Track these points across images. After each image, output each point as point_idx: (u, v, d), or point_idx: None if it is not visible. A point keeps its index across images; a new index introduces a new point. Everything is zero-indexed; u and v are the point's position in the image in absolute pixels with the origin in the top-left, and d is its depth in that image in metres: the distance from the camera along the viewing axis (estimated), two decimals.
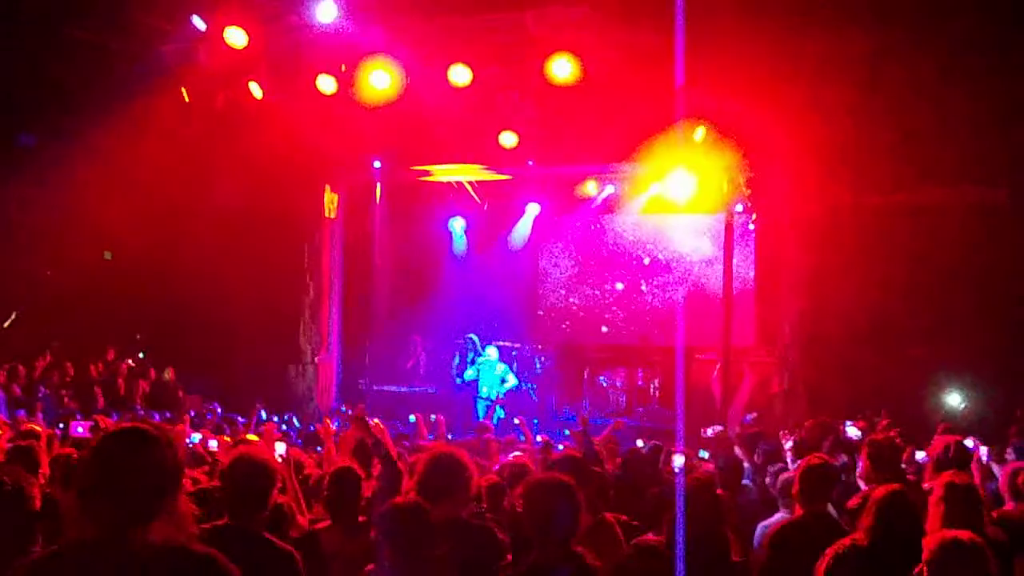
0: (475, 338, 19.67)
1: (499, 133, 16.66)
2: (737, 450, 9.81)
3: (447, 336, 20.50)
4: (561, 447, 10.62)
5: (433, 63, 15.70)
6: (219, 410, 15.70)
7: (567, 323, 21.94)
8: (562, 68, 15.06)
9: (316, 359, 19.14)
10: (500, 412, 18.08)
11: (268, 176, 17.22)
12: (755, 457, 9.40)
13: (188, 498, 4.94)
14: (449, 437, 13.26)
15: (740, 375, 18.01)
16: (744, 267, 19.73)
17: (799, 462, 6.79)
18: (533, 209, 21.40)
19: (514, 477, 6.88)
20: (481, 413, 17.95)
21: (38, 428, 9.25)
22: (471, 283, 21.25)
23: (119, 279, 18.47)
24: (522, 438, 12.31)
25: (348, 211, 19.83)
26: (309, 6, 15.11)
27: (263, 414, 14.69)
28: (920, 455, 8.43)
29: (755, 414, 15.83)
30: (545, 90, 15.54)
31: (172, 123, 16.30)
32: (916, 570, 4.40)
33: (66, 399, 15.27)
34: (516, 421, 14.39)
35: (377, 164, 18.30)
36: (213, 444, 9.82)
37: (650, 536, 5.66)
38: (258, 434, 10.31)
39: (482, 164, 18.22)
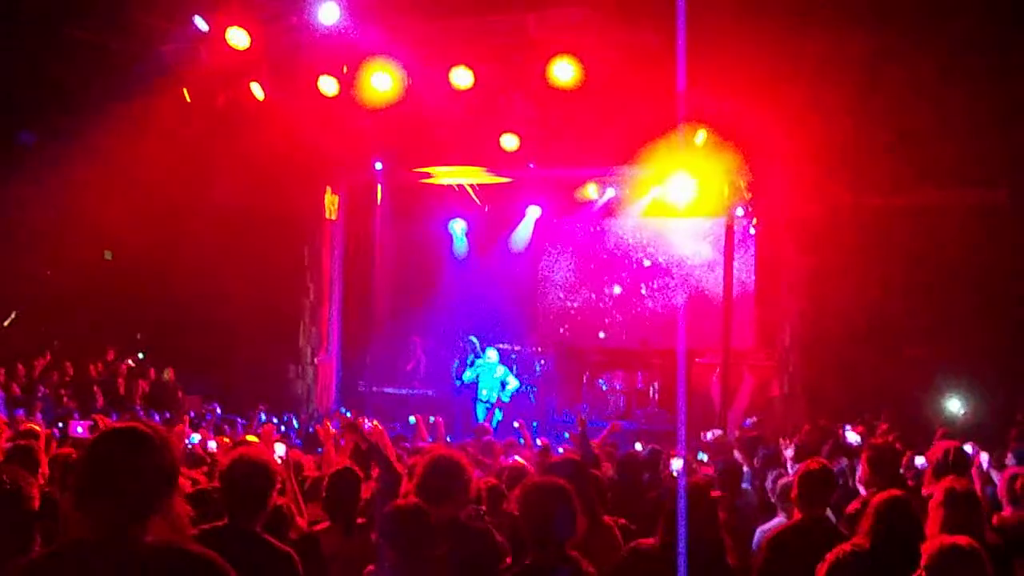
0: (475, 340, 19.68)
1: (500, 135, 16.65)
2: (736, 454, 9.81)
3: (447, 338, 20.50)
4: (561, 450, 10.62)
5: (434, 65, 15.71)
6: (219, 411, 15.71)
7: (567, 326, 21.94)
8: (563, 71, 15.07)
9: (316, 360, 19.14)
10: (499, 415, 18.07)
11: (269, 177, 17.22)
12: (754, 461, 9.40)
13: (186, 499, 4.94)
14: (448, 439, 13.26)
15: (740, 378, 18.01)
16: (744, 271, 19.73)
17: (798, 466, 6.79)
18: (534, 212, 21.39)
19: (512, 480, 6.88)
20: (480, 415, 17.94)
21: (37, 428, 9.24)
22: (471, 285, 21.25)
23: (119, 279, 18.46)
24: (521, 441, 12.30)
25: (349, 212, 19.84)
26: (311, 7, 15.11)
27: (263, 416, 14.70)
28: (919, 460, 8.42)
29: (755, 418, 15.83)
30: (546, 93, 15.54)
31: (173, 123, 16.29)
32: None
33: (65, 399, 15.26)
34: (515, 424, 14.39)
35: (379, 165, 18.30)
36: (212, 445, 9.81)
37: (646, 540, 5.66)
38: (257, 435, 10.32)
39: (483, 166, 18.22)
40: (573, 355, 20.85)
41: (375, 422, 10.28)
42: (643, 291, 21.38)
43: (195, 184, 17.41)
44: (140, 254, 18.05)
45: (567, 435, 13.35)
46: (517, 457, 9.48)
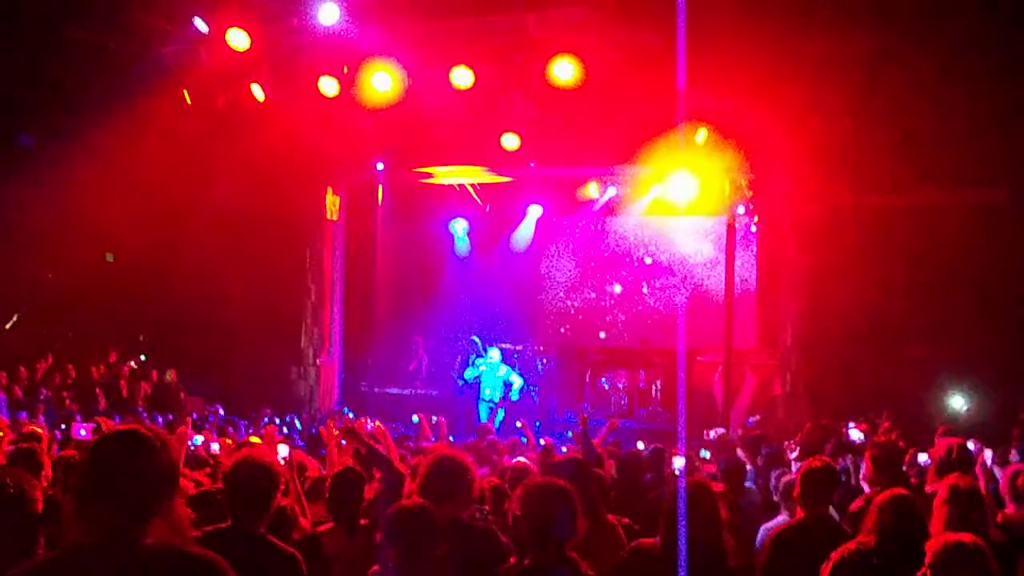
0: (477, 340, 19.68)
1: (501, 135, 16.65)
2: (740, 452, 9.81)
3: (449, 338, 20.51)
4: (564, 449, 10.62)
5: (435, 65, 15.71)
6: (221, 412, 15.71)
7: (568, 325, 21.95)
8: (564, 70, 15.07)
9: (318, 361, 19.14)
10: (501, 414, 18.07)
11: (270, 178, 17.23)
12: (758, 459, 9.40)
13: (189, 500, 4.94)
14: (451, 439, 13.26)
15: (742, 377, 18.01)
16: (746, 269, 19.73)
17: (800, 464, 6.79)
18: (535, 211, 21.39)
19: (515, 480, 6.88)
20: (483, 415, 17.93)
21: (40, 430, 9.24)
22: (473, 285, 21.26)
23: (120, 281, 18.46)
24: (524, 440, 12.30)
25: (350, 213, 19.85)
26: (311, 8, 15.11)
27: (266, 418, 14.72)
28: (922, 458, 8.42)
29: (757, 416, 15.83)
30: (547, 92, 15.53)
31: (173, 124, 16.29)
32: (919, 574, 4.39)
33: (68, 401, 15.26)
34: (518, 424, 14.38)
35: (380, 166, 18.29)
36: (215, 447, 9.81)
37: (647, 539, 5.65)
38: (260, 436, 10.32)
39: (484, 166, 18.23)
40: (575, 354, 20.85)
41: (378, 422, 10.29)
42: (644, 290, 21.39)
43: (196, 185, 17.42)
44: (141, 256, 18.05)
45: (570, 434, 13.35)
46: (521, 457, 9.49)
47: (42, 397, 14.98)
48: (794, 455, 9.34)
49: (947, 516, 5.27)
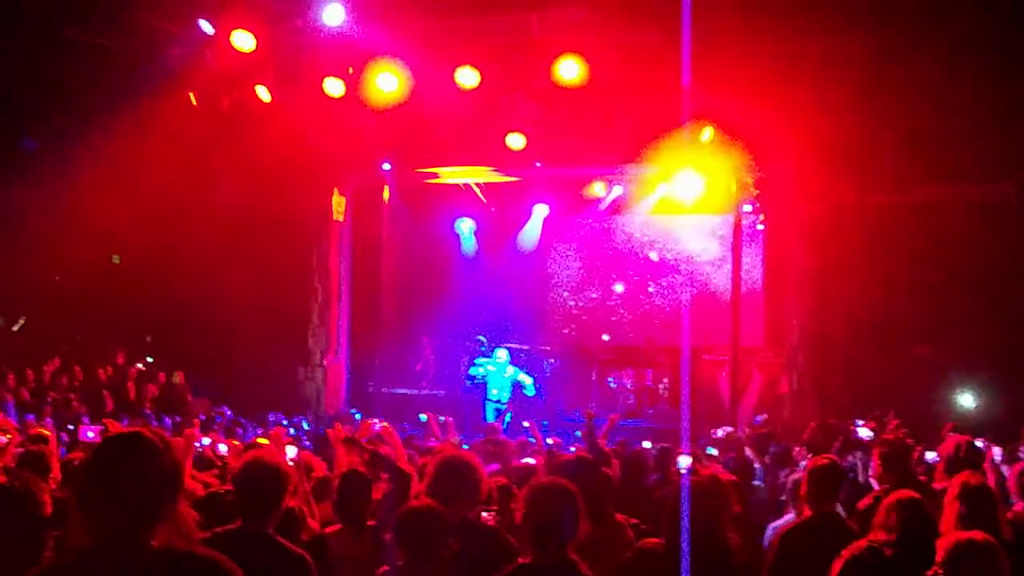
0: (484, 339, 19.69)
1: (506, 135, 16.65)
2: (747, 451, 9.80)
3: (456, 338, 20.51)
4: (573, 449, 10.60)
5: (440, 65, 15.71)
6: (228, 413, 15.71)
7: (574, 325, 21.94)
8: (569, 69, 15.08)
9: (325, 362, 19.13)
10: (508, 416, 18.04)
11: (276, 179, 17.25)
12: (765, 458, 9.39)
13: (198, 502, 4.95)
14: (459, 438, 13.24)
15: (749, 375, 17.99)
16: (752, 267, 19.70)
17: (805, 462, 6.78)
18: (541, 210, 21.38)
19: (522, 481, 6.88)
20: (490, 415, 17.90)
21: (47, 432, 9.26)
22: (479, 285, 21.27)
23: (127, 282, 18.50)
24: (532, 441, 12.28)
25: (356, 213, 19.83)
26: (316, 9, 15.13)
27: (277, 420, 14.74)
28: (930, 455, 8.41)
29: (765, 415, 15.81)
30: (552, 92, 15.54)
31: (179, 126, 16.33)
32: (930, 572, 4.39)
33: (75, 403, 15.27)
34: (525, 424, 14.35)
35: (387, 166, 18.29)
36: (223, 448, 9.81)
37: (652, 539, 5.64)
38: (267, 437, 10.32)
39: (490, 166, 18.22)
40: (581, 353, 20.83)
41: (385, 423, 10.28)
42: (650, 289, 21.37)
43: (202, 187, 17.44)
44: (148, 257, 18.10)
45: (579, 434, 13.33)
46: (529, 458, 9.48)
47: (49, 399, 15.00)
48: (803, 462, 9.32)
49: (958, 513, 5.25)
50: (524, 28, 15.48)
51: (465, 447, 10.13)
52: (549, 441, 11.72)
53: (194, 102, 16.71)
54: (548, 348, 20.74)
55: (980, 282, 14.82)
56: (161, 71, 16.18)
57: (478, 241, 22.03)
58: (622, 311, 21.56)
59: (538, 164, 17.68)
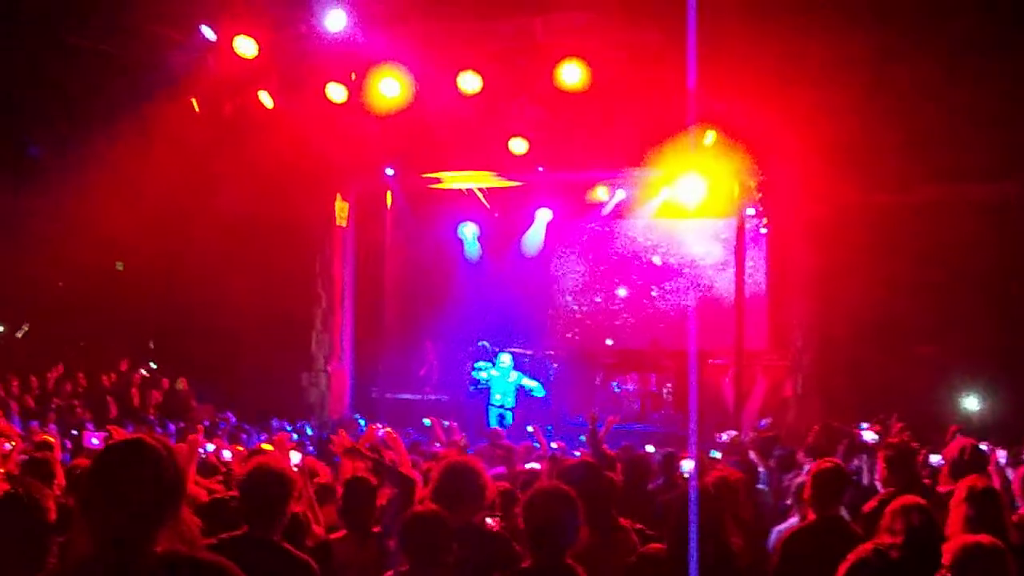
0: (487, 344, 19.69)
1: (509, 139, 16.64)
2: (752, 455, 9.78)
3: (459, 343, 20.50)
4: (577, 454, 10.59)
5: (442, 70, 15.73)
6: (232, 419, 15.71)
7: (578, 329, 21.93)
8: (571, 74, 15.09)
9: (329, 367, 19.13)
10: (509, 419, 18.04)
11: (279, 185, 17.25)
12: (770, 462, 9.37)
13: (203, 508, 4.94)
14: (464, 438, 13.24)
15: (753, 379, 17.97)
16: (755, 270, 19.69)
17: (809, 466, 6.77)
18: (545, 215, 21.37)
19: (526, 486, 6.87)
20: (493, 420, 17.91)
21: (51, 439, 9.27)
22: (483, 289, 21.25)
23: (131, 289, 18.52)
24: (537, 446, 12.28)
25: (359, 219, 19.84)
26: (318, 15, 15.14)
27: (280, 425, 14.73)
28: (935, 458, 8.39)
29: (769, 418, 15.79)
30: (554, 96, 15.55)
31: (182, 132, 16.34)
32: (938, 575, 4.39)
33: (79, 410, 15.28)
34: (530, 429, 14.35)
35: (390, 171, 18.29)
36: (227, 454, 9.82)
37: (655, 544, 5.63)
38: (271, 443, 10.32)
39: (492, 170, 18.22)
40: (586, 358, 20.81)
41: (388, 428, 10.28)
42: (654, 292, 21.36)
43: (205, 193, 17.45)
44: (151, 264, 18.12)
45: (583, 438, 13.33)
46: (535, 463, 9.48)
47: (53, 406, 15.01)
48: (807, 466, 9.30)
49: (965, 516, 5.25)
50: (527, 32, 15.49)
51: (469, 451, 10.12)
52: (553, 445, 11.73)
53: (197, 108, 16.72)
54: (552, 353, 20.74)
55: (984, 282, 14.81)
56: (164, 77, 16.20)
57: (481, 246, 22.02)
58: (626, 315, 21.55)
59: (541, 168, 17.67)
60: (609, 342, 21.21)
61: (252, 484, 4.85)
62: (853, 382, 15.18)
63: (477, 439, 13.57)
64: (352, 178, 19.02)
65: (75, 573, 3.09)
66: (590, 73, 15.06)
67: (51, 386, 16.29)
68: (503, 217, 21.43)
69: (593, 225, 21.77)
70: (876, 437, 9.81)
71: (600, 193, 20.57)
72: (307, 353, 18.79)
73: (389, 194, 19.92)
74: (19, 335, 19.02)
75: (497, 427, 16.09)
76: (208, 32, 15.58)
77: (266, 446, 9.36)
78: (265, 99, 16.58)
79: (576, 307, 22.07)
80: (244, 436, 13.55)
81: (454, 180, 19.07)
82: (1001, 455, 7.80)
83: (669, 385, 19.49)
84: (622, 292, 21.63)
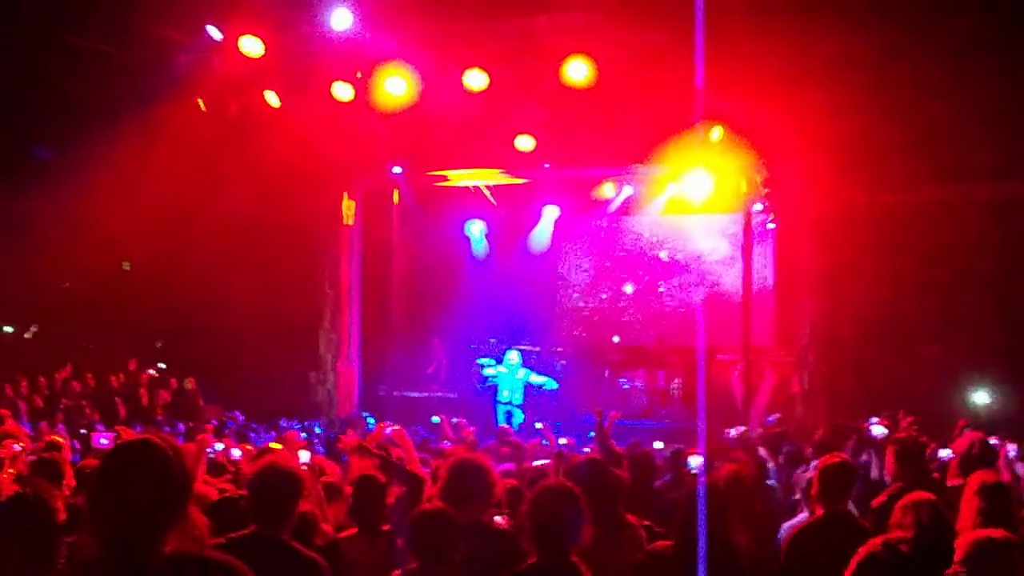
0: (495, 341, 19.70)
1: (515, 137, 16.63)
2: (761, 450, 9.77)
3: (467, 340, 20.49)
4: (586, 451, 10.58)
5: (448, 68, 15.72)
6: (240, 419, 15.74)
7: (585, 325, 21.92)
8: (577, 71, 15.07)
9: (336, 366, 19.14)
10: (520, 416, 18.03)
11: (286, 184, 17.27)
12: (779, 457, 9.37)
13: (212, 507, 4.95)
14: (473, 433, 13.25)
15: (760, 375, 17.94)
16: (762, 267, 19.66)
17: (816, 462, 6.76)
18: (551, 212, 21.36)
19: (533, 483, 6.87)
20: (501, 418, 17.90)
21: (60, 439, 9.28)
22: (490, 287, 21.24)
23: (138, 289, 18.55)
24: (545, 443, 12.27)
25: (366, 217, 19.84)
26: (324, 14, 15.14)
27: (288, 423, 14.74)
28: (944, 453, 8.38)
29: (778, 414, 15.77)
30: (560, 93, 15.53)
31: (188, 133, 16.36)
32: (950, 571, 4.38)
33: (87, 410, 15.31)
34: (538, 426, 14.34)
35: (397, 169, 18.29)
36: (236, 453, 9.82)
37: (661, 542, 5.63)
38: (280, 442, 10.33)
39: (499, 168, 18.21)
40: (593, 355, 20.79)
41: (397, 426, 10.29)
42: (661, 288, 21.34)
43: (211, 193, 17.46)
44: (158, 264, 18.14)
45: (592, 435, 13.33)
46: (544, 460, 9.48)
47: (62, 406, 15.04)
48: (814, 462, 9.29)
49: (976, 511, 5.24)
50: (532, 30, 15.48)
51: (477, 448, 10.13)
52: (562, 441, 11.72)
53: (203, 108, 16.73)
54: (560, 349, 20.72)
55: (990, 282, 14.80)
56: (169, 78, 16.22)
57: (488, 243, 22.00)
58: (632, 312, 21.53)
59: (547, 166, 17.67)
60: (616, 339, 21.17)
61: (261, 483, 4.85)
62: (859, 379, 15.18)
63: (485, 436, 13.58)
64: (359, 177, 19.03)
65: (84, 573, 3.10)
66: (596, 70, 15.04)
67: (59, 386, 16.31)
68: (510, 214, 21.41)
69: (600, 222, 21.74)
70: (885, 431, 9.80)
71: (607, 190, 20.56)
72: (315, 352, 18.81)
73: (396, 192, 19.93)
74: (27, 336, 19.06)
75: (505, 425, 16.08)
76: (214, 32, 15.59)
77: (275, 445, 9.38)
78: (271, 98, 16.58)
79: (583, 304, 22.05)
80: (252, 435, 13.57)
81: (461, 178, 19.06)
82: (1011, 449, 7.78)
83: (677, 381, 19.48)
84: (628, 288, 21.61)
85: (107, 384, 16.91)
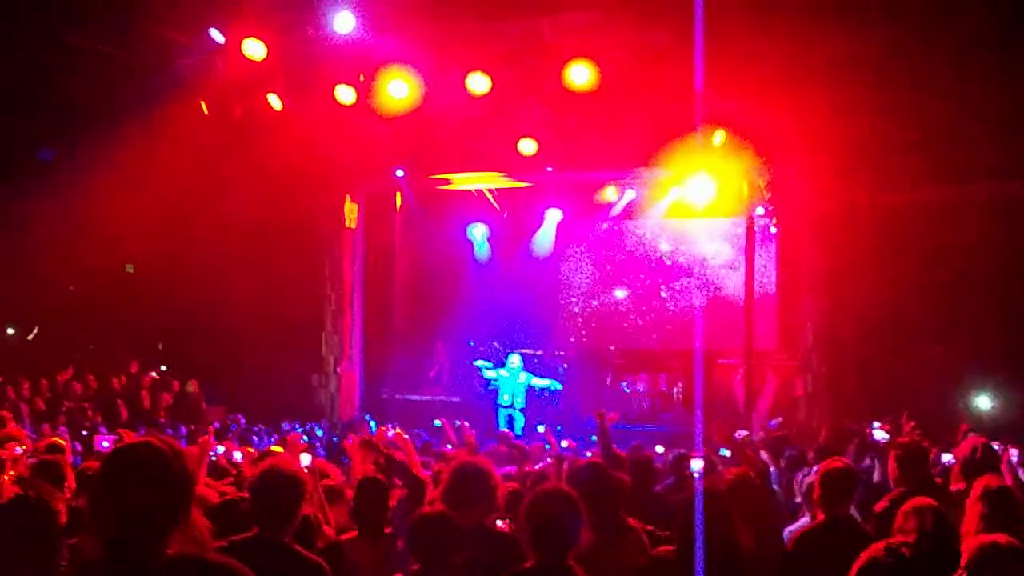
0: (497, 345, 19.70)
1: (518, 140, 16.64)
2: (763, 454, 9.76)
3: (469, 343, 20.49)
4: (589, 454, 10.57)
5: (451, 71, 15.72)
6: (243, 422, 15.74)
7: (587, 329, 21.89)
8: (580, 74, 15.07)
9: (339, 369, 19.15)
10: (522, 420, 18.03)
11: (288, 187, 17.30)
12: (781, 461, 9.36)
13: (213, 510, 4.95)
14: (474, 437, 13.25)
15: (763, 378, 17.93)
16: (765, 270, 19.63)
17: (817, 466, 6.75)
18: (555, 215, 21.36)
19: (535, 486, 6.86)
20: (502, 422, 17.90)
21: (62, 442, 9.28)
22: (493, 290, 21.22)
23: (140, 291, 18.56)
24: (547, 446, 12.27)
25: (368, 220, 19.85)
26: (326, 17, 15.15)
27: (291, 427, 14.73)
28: (946, 457, 8.37)
29: (780, 418, 15.76)
30: (563, 96, 15.53)
31: (192, 135, 16.38)
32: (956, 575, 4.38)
33: (90, 412, 15.32)
34: (540, 429, 14.34)
35: (399, 173, 18.31)
36: (237, 456, 9.82)
37: (664, 547, 5.63)
38: (282, 444, 10.32)
39: (502, 171, 18.22)
40: (595, 358, 20.78)
41: (398, 429, 10.29)
42: (663, 293, 21.31)
43: (214, 196, 17.48)
44: (161, 266, 18.15)
45: (594, 438, 13.33)
46: (548, 459, 9.48)
47: (64, 408, 15.04)
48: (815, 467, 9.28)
49: (980, 516, 5.24)
50: (535, 33, 15.48)
51: (479, 451, 10.12)
52: (564, 445, 11.72)
53: (206, 111, 16.75)
54: (562, 353, 20.72)
55: (992, 283, 14.79)
56: (173, 81, 16.23)
57: (491, 247, 21.99)
58: (634, 316, 21.51)
59: (550, 169, 17.67)
60: (611, 348, 21.11)
61: (263, 486, 4.85)
62: (863, 381, 15.17)
63: (486, 440, 13.59)
64: (361, 180, 19.04)
65: (85, 575, 3.10)
66: (599, 73, 15.03)
67: (61, 388, 16.32)
68: (512, 218, 21.41)
69: (603, 225, 21.72)
70: (887, 436, 9.79)
71: (609, 193, 20.54)
72: (317, 355, 18.82)
73: (398, 195, 19.94)
74: (30, 337, 19.06)
75: (506, 429, 16.09)
76: (217, 35, 15.59)
77: (276, 448, 9.37)
78: (274, 101, 16.60)
79: (585, 307, 22.02)
80: (255, 439, 13.57)
81: (463, 181, 19.07)
82: (1013, 454, 7.76)
83: (680, 385, 19.47)
84: (620, 294, 21.54)
85: (109, 386, 16.91)
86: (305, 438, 14.07)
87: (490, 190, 20.06)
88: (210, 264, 17.94)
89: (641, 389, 19.72)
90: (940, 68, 14.07)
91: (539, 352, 20.20)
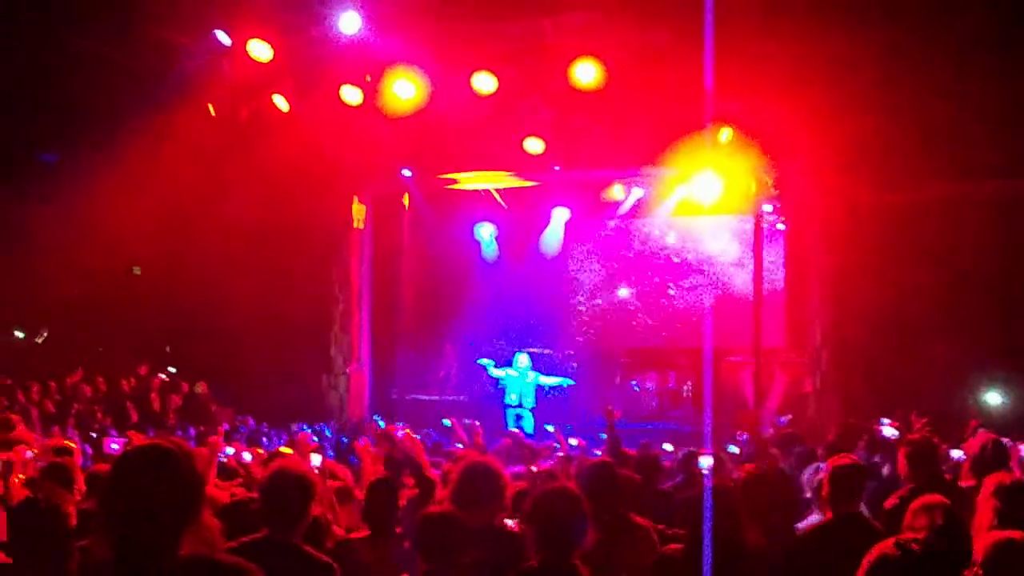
0: (503, 344, 19.70)
1: (524, 139, 16.62)
2: (773, 451, 9.75)
3: (478, 343, 20.49)
4: (598, 453, 10.58)
5: (457, 71, 15.72)
6: (252, 423, 15.75)
7: (597, 327, 21.89)
8: (585, 72, 15.06)
9: (348, 370, 19.16)
10: (529, 419, 18.03)
11: (295, 188, 17.30)
12: (790, 459, 9.34)
13: (223, 511, 4.96)
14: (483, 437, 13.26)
15: (772, 376, 17.92)
16: (773, 267, 19.62)
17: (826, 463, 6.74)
18: (562, 214, 21.35)
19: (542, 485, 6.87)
20: (511, 421, 17.90)
21: (72, 444, 9.29)
22: (501, 289, 21.23)
23: (147, 293, 18.58)
24: (557, 445, 12.28)
25: (376, 221, 19.87)
26: (332, 17, 15.15)
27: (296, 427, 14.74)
28: (956, 453, 8.36)
29: (789, 416, 15.77)
30: (569, 95, 15.52)
31: (198, 137, 16.38)
32: (970, 573, 4.36)
33: (99, 414, 15.33)
34: (550, 428, 14.35)
35: (407, 173, 18.32)
36: (247, 456, 9.83)
37: (673, 545, 5.62)
38: (291, 445, 10.33)
39: (509, 170, 18.21)
40: (604, 357, 20.79)
41: (407, 430, 10.30)
42: (671, 291, 21.30)
43: (221, 197, 17.48)
44: (168, 268, 18.18)
45: (603, 436, 13.34)
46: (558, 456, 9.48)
47: (73, 411, 15.06)
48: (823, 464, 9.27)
49: (993, 512, 5.22)
50: (540, 32, 15.47)
51: (488, 451, 10.13)
52: (572, 442, 11.73)
53: (212, 113, 16.76)
54: (571, 352, 20.71)
55: (996, 282, 14.78)
56: (178, 83, 16.23)
57: (499, 246, 21.99)
58: (642, 315, 21.49)
59: (557, 168, 17.66)
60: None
61: (273, 487, 4.86)
62: (870, 379, 15.16)
63: (494, 440, 13.61)
64: (368, 180, 19.05)
65: None
66: (605, 72, 15.02)
67: (70, 391, 16.33)
68: (520, 217, 21.40)
69: (611, 223, 21.71)
70: (896, 433, 9.78)
71: (616, 192, 20.53)
72: (326, 355, 18.84)
73: (406, 195, 19.95)
74: (38, 341, 19.09)
75: (515, 428, 16.09)
76: (223, 36, 15.60)
77: (286, 449, 9.38)
78: (280, 102, 16.60)
79: (594, 306, 22.01)
80: (263, 440, 13.58)
81: (470, 180, 19.06)
82: (1023, 450, 7.76)
83: (689, 383, 19.47)
84: (623, 292, 21.52)
85: (118, 388, 16.93)
86: (314, 439, 14.10)
87: (497, 189, 20.05)
88: (217, 266, 17.95)
89: (650, 387, 19.73)
90: (941, 68, 14.07)
91: (548, 351, 20.21)
